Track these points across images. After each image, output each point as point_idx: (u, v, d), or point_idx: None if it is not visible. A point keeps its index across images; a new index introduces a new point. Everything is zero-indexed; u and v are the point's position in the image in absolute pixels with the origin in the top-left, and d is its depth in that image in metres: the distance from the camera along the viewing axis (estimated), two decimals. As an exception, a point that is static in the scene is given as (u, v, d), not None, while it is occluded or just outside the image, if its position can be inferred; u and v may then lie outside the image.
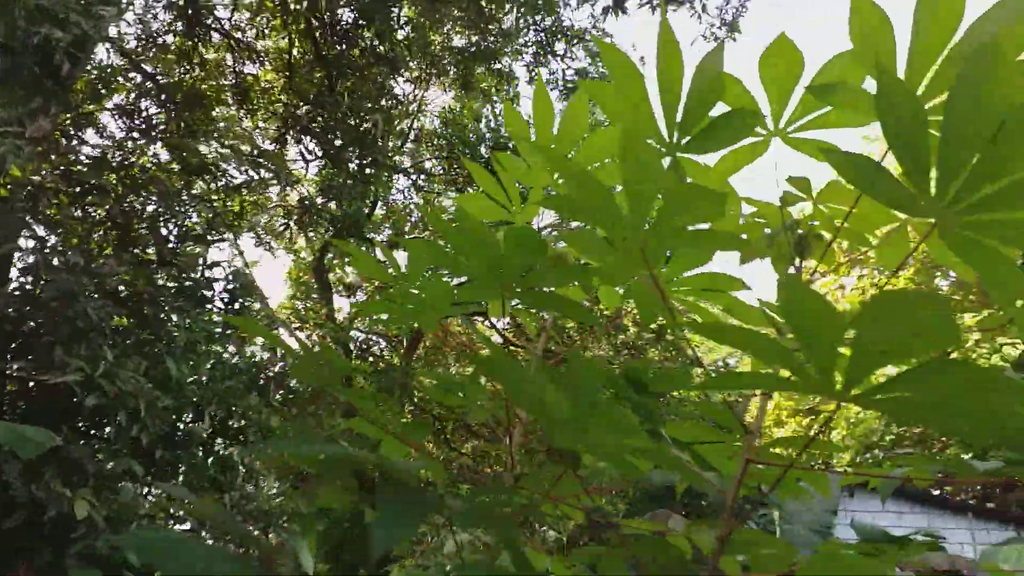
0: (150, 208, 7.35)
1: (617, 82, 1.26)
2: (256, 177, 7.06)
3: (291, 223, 9.88)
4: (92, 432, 5.86)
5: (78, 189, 7.09)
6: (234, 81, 12.41)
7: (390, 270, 1.80)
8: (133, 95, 11.06)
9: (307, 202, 10.74)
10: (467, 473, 15.32)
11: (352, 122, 10.06)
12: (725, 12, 10.90)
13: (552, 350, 15.21)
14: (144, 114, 10.61)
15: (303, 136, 9.77)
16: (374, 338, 14.96)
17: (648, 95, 1.23)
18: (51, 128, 7.38)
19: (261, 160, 6.98)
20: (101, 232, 6.92)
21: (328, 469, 1.48)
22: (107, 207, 7.02)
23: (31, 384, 5.81)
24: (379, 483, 1.21)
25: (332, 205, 10.82)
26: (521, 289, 1.28)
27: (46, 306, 5.71)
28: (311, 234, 11.87)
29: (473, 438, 16.35)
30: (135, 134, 10.11)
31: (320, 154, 9.95)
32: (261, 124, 12.94)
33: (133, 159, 7.10)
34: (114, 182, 7.11)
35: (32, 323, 5.79)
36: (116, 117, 10.44)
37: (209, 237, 7.42)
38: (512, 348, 15.35)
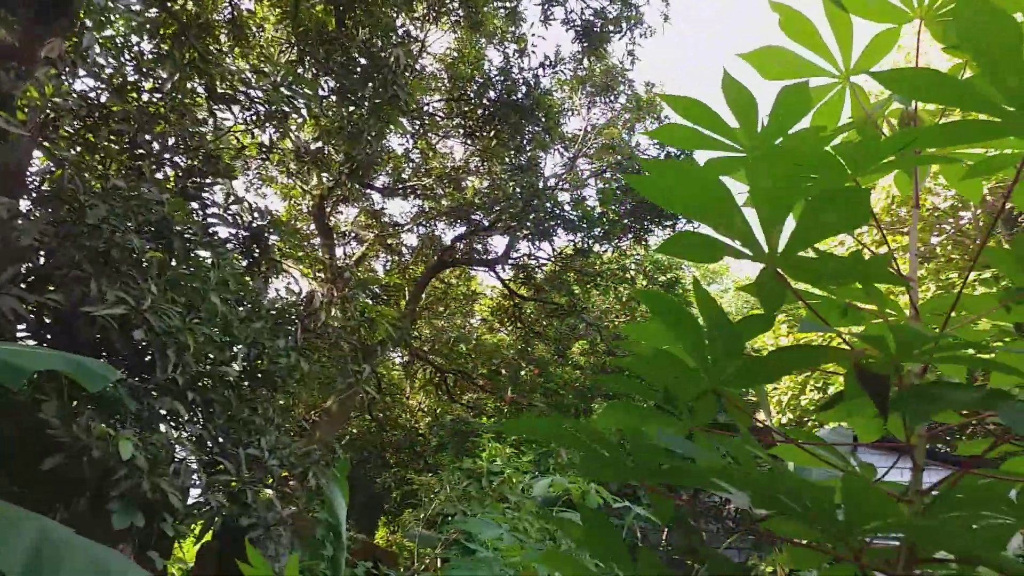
0: (171, 140, 6.93)
1: None
2: (287, 109, 6.65)
3: (306, 164, 9.47)
4: (130, 370, 5.53)
5: (97, 115, 6.67)
6: (231, 15, 11.86)
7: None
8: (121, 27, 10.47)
9: (316, 144, 10.32)
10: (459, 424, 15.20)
11: (364, 60, 9.63)
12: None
13: (556, 302, 15.04)
14: (135, 48, 10.05)
15: (318, 73, 9.32)
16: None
17: None
18: (67, 49, 6.91)
19: (296, 89, 6.55)
20: (120, 162, 6.49)
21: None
22: (128, 136, 6.60)
23: (60, 318, 5.44)
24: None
25: (332, 148, 10.44)
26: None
27: (80, 234, 5.34)
28: (317, 178, 11.44)
29: (473, 390, 16.20)
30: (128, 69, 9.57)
31: (335, 91, 9.51)
32: (258, 62, 12.44)
33: (157, 85, 6.65)
34: (134, 110, 6.67)
35: (63, 252, 5.40)
36: (107, 51, 9.86)
37: (234, 171, 7.03)
38: (517, 299, 15.20)
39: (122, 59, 9.64)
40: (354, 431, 14.77)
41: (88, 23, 6.97)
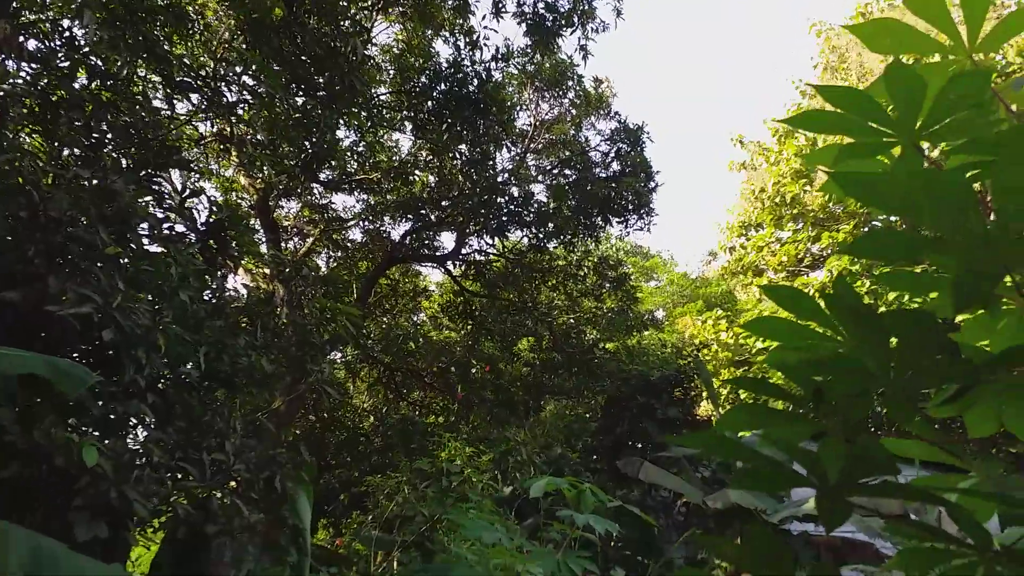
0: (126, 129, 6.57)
1: None
2: (250, 99, 6.36)
3: (256, 157, 9.10)
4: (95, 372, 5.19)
5: (47, 102, 6.27)
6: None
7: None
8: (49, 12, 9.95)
9: (261, 136, 9.96)
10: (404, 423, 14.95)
11: (318, 50, 9.35)
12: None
13: (507, 298, 14.94)
14: (67, 33, 9.56)
15: (269, 61, 8.98)
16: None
17: None
18: (12, 32, 6.49)
19: (261, 78, 6.27)
20: (78, 151, 6.11)
21: None
22: (81, 124, 6.22)
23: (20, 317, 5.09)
24: None
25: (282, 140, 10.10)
26: None
27: (37, 227, 4.99)
28: (266, 171, 11.04)
29: (421, 388, 15.97)
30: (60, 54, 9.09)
31: (286, 81, 9.19)
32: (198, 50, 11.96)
33: (113, 68, 6.29)
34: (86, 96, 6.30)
35: (16, 247, 5.04)
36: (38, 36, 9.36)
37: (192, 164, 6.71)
38: (468, 295, 15.05)
39: (66, 42, 9.18)
40: (296, 432, 14.39)
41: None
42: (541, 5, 11.67)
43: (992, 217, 1.15)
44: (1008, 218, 1.08)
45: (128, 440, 5.55)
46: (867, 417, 1.53)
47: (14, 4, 8.23)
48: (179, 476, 5.90)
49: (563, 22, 11.76)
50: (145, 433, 5.83)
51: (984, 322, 1.58)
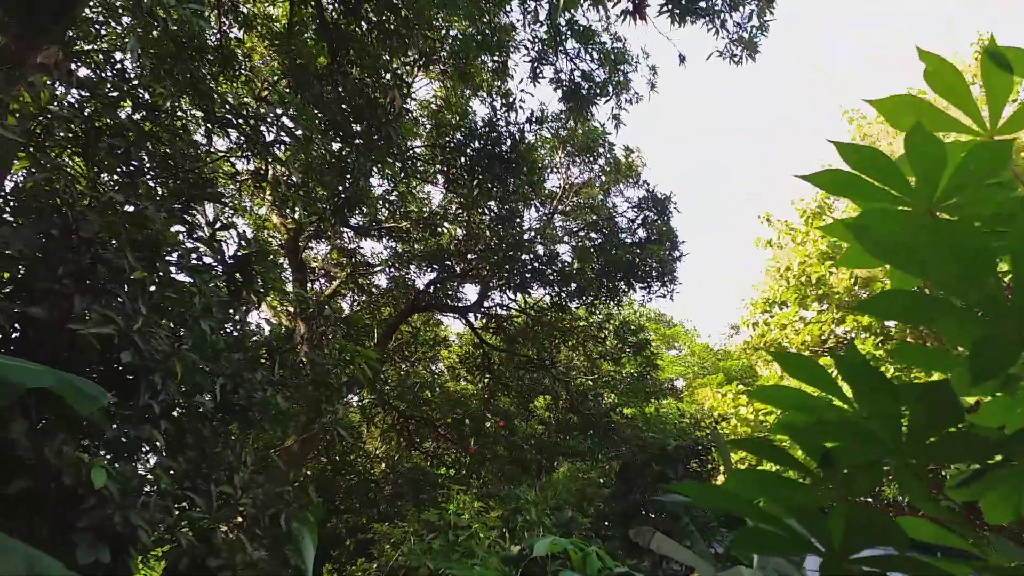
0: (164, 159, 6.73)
1: None
2: (287, 139, 6.50)
3: (289, 197, 9.28)
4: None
5: (89, 127, 6.44)
6: (218, 42, 11.73)
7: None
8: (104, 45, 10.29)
9: (297, 177, 10.14)
10: (415, 474, 14.85)
11: (359, 99, 9.57)
12: (743, 30, 10.81)
13: (526, 354, 14.91)
14: (118, 65, 9.88)
15: (310, 106, 9.21)
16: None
17: None
18: (63, 57, 6.71)
19: (298, 119, 6.41)
20: (115, 176, 6.25)
21: None
22: (120, 151, 6.38)
23: (38, 334, 5.15)
24: None
25: (316, 182, 10.30)
26: None
27: (68, 247, 5.09)
28: (298, 212, 11.22)
29: (434, 438, 15.89)
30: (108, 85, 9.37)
31: (324, 127, 9.41)
32: (240, 91, 12.28)
33: (159, 101, 6.46)
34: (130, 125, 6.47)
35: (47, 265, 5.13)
36: (91, 66, 9.68)
37: (225, 198, 6.83)
38: (487, 348, 15.07)
39: (117, 73, 9.45)
40: (307, 472, 14.34)
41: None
42: (577, 73, 11.89)
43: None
44: None
45: (137, 465, 5.56)
46: (879, 490, 1.52)
47: (70, 32, 8.53)
48: (185, 506, 5.88)
49: (598, 91, 11.95)
50: (155, 459, 5.84)
51: (1005, 403, 1.55)
